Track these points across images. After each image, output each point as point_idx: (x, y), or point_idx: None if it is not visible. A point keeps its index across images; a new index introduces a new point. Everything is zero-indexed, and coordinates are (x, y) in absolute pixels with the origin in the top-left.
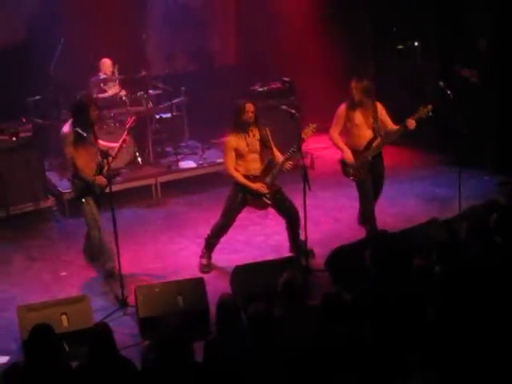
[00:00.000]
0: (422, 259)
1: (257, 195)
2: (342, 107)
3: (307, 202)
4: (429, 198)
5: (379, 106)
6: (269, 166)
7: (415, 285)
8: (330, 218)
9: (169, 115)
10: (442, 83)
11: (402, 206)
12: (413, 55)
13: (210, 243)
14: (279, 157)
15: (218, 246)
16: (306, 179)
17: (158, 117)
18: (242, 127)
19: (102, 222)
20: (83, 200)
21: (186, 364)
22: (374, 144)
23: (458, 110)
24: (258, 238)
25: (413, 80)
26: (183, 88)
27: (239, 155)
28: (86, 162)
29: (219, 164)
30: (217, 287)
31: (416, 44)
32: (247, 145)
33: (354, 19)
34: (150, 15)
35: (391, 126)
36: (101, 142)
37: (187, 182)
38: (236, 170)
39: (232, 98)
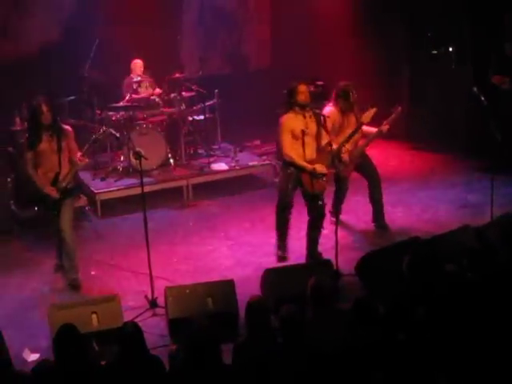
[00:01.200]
0: (454, 266)
1: (314, 176)
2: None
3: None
4: (461, 204)
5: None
6: (323, 151)
7: (448, 292)
8: (361, 222)
9: (202, 117)
10: (475, 89)
11: (434, 212)
12: (447, 60)
13: (279, 234)
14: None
15: (249, 249)
16: (338, 183)
17: (190, 119)
18: (297, 108)
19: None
20: (36, 208)
21: (215, 366)
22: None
23: (492, 115)
24: (291, 242)
25: (447, 85)
26: (217, 90)
27: (295, 137)
28: (45, 170)
29: (251, 166)
30: (247, 289)
31: (450, 49)
32: (303, 127)
33: (389, 22)
34: (185, 17)
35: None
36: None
37: (219, 185)
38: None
39: (266, 101)
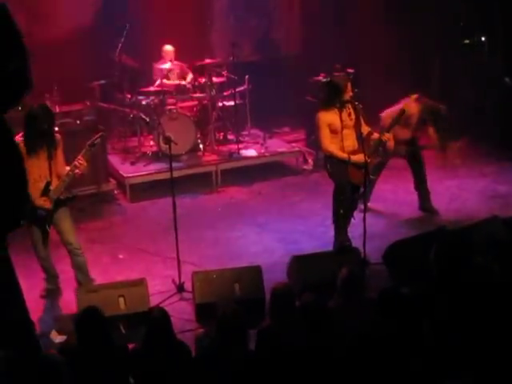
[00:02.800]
0: (481, 257)
1: (358, 167)
2: None
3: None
4: (491, 194)
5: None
6: (363, 142)
7: (475, 282)
8: (389, 212)
9: (232, 103)
10: (507, 79)
11: (463, 202)
12: (479, 50)
13: (338, 226)
14: (374, 132)
15: (277, 236)
16: (366, 172)
17: (220, 104)
18: (338, 104)
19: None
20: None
21: (241, 351)
22: None
23: None
24: (319, 229)
25: (478, 75)
26: (247, 76)
27: (333, 131)
28: (34, 180)
29: (280, 153)
30: (274, 276)
31: (483, 39)
32: (341, 121)
33: (422, 10)
34: (216, 2)
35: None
36: (68, 168)
37: (248, 171)
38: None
39: (296, 87)
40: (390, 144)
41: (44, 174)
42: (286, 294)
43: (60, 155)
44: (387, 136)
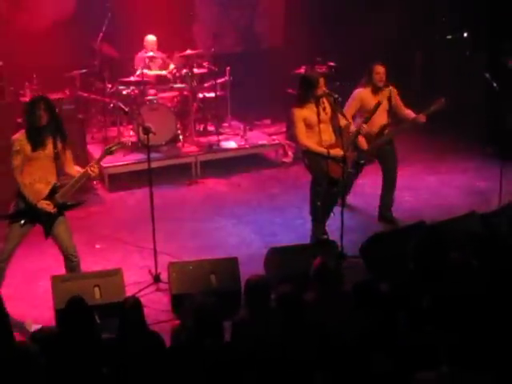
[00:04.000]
0: (459, 252)
1: (337, 160)
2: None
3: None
4: (470, 190)
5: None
6: (341, 135)
7: (452, 278)
8: (368, 205)
9: (213, 94)
10: (487, 74)
11: (443, 197)
12: (462, 45)
13: (315, 218)
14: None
15: (255, 228)
16: (344, 165)
17: (201, 96)
18: (312, 99)
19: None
20: (22, 222)
21: (216, 342)
22: (386, 131)
23: (504, 101)
24: (297, 222)
25: (461, 70)
26: (228, 68)
27: (309, 126)
28: (35, 180)
29: (261, 146)
30: (251, 268)
31: (465, 35)
32: (318, 115)
33: (404, 7)
34: None
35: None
36: (77, 168)
37: (228, 162)
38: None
39: (277, 80)
40: (362, 142)
41: (47, 175)
42: (261, 285)
43: (68, 154)
44: (364, 127)
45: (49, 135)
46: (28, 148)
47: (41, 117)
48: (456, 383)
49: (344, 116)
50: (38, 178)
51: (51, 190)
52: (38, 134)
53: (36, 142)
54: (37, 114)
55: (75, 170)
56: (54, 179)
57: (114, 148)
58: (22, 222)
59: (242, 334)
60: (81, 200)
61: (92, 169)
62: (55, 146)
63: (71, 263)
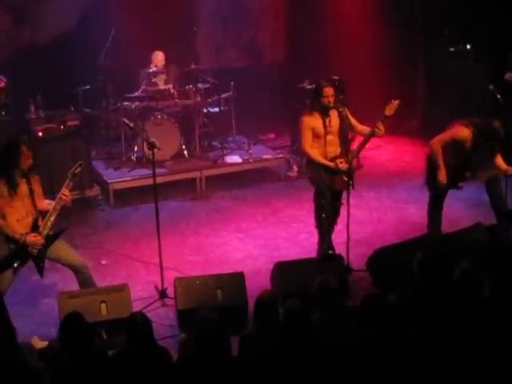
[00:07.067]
0: (467, 263)
1: (336, 173)
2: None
3: (351, 202)
4: (474, 202)
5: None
6: (348, 148)
7: (460, 289)
8: (374, 219)
9: (217, 109)
10: (492, 87)
11: (447, 209)
12: (464, 58)
13: (320, 232)
14: (364, 129)
15: (261, 242)
16: (350, 178)
17: (205, 111)
18: (320, 110)
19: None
20: (15, 265)
21: (222, 357)
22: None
23: (509, 114)
24: (301, 236)
25: (463, 83)
26: (232, 82)
27: (316, 136)
28: (22, 216)
29: (265, 160)
30: (257, 283)
31: (468, 47)
32: (324, 126)
33: (406, 20)
34: (202, 8)
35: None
36: (47, 201)
37: (232, 177)
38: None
39: (281, 94)
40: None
41: (28, 211)
42: (271, 302)
43: (39, 189)
44: (380, 127)
45: (24, 174)
46: (5, 191)
47: (27, 159)
48: None
49: (353, 124)
50: (25, 214)
51: (33, 223)
52: (12, 176)
53: (11, 185)
54: (24, 156)
55: (45, 203)
56: (36, 214)
57: (77, 170)
58: (16, 265)
59: (249, 347)
60: (63, 227)
61: (64, 194)
62: (28, 182)
63: (83, 275)
